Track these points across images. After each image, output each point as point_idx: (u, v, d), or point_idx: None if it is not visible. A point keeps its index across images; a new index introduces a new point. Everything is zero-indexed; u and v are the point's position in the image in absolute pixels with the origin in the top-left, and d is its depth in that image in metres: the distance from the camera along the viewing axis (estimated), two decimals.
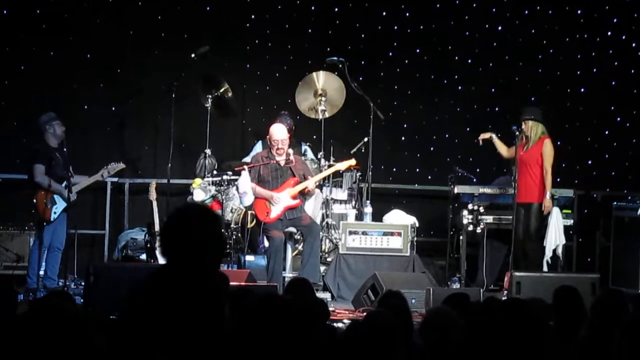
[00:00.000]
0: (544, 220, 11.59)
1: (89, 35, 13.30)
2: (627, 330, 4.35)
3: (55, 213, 11.19)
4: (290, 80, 13.25)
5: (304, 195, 11.31)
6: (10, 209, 12.38)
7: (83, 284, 10.43)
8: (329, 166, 11.73)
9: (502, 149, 11.80)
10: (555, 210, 11.79)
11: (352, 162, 11.59)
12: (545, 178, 11.52)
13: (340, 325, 8.50)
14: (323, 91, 12.32)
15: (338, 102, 12.39)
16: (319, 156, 12.00)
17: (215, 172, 11.88)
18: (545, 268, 11.62)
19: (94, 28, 13.32)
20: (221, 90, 12.27)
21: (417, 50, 13.97)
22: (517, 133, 11.28)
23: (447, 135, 14.03)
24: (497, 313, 5.25)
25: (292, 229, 11.25)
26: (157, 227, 11.35)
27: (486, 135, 11.82)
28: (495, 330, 4.95)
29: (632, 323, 4.39)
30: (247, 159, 11.94)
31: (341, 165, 11.57)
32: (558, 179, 13.19)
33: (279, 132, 11.21)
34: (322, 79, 12.35)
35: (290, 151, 11.25)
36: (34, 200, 11.17)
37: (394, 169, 13.98)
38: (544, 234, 11.65)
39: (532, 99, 13.85)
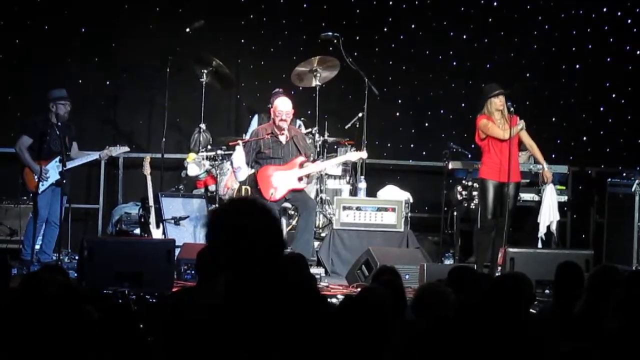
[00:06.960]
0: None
1: (84, 9, 13.24)
2: (621, 304, 4.36)
3: (43, 185, 11.08)
4: (284, 54, 13.23)
5: (308, 177, 11.40)
6: (3, 183, 12.35)
7: (77, 258, 10.44)
8: (324, 142, 11.77)
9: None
10: (550, 187, 11.78)
11: (364, 154, 11.58)
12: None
13: (334, 300, 8.50)
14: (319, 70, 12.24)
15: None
16: (313, 131, 11.98)
17: (209, 146, 11.86)
18: (539, 244, 11.62)
19: (89, 2, 13.26)
20: (214, 65, 12.22)
21: (412, 26, 13.92)
22: (512, 109, 11.07)
23: (441, 111, 14.01)
24: (487, 290, 5.28)
25: (287, 204, 11.28)
26: (151, 202, 11.33)
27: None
28: (485, 306, 4.97)
29: (626, 298, 4.40)
30: (248, 134, 11.90)
31: (352, 156, 11.60)
32: (553, 155, 13.20)
33: (286, 103, 11.24)
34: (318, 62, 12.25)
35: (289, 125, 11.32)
36: (24, 170, 11.13)
37: (389, 145, 13.95)
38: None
39: (527, 75, 13.86)
